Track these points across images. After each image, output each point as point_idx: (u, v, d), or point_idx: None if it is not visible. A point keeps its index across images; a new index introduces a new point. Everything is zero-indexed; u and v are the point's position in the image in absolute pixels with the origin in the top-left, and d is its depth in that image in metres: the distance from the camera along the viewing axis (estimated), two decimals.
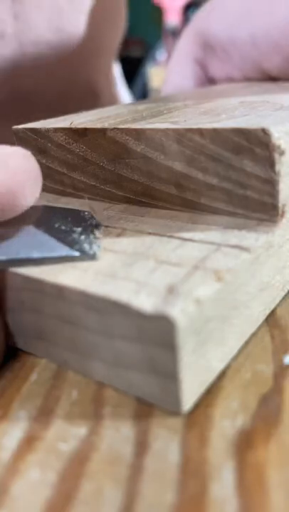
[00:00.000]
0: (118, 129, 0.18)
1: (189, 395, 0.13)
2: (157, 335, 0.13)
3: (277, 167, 0.15)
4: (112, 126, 0.18)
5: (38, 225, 0.16)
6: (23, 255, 0.15)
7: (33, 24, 0.34)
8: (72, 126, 0.19)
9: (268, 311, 0.17)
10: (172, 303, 0.13)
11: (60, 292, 0.14)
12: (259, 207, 0.16)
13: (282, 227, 0.16)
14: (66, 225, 0.17)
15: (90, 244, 0.16)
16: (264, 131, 0.15)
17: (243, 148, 0.15)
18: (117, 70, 0.48)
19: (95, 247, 0.16)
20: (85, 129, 0.19)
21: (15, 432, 0.14)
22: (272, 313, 0.18)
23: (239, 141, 0.15)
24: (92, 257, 0.15)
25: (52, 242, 0.15)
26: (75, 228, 0.17)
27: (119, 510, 0.11)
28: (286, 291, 0.18)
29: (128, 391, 0.14)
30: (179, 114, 0.19)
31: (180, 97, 0.25)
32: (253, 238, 0.15)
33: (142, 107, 0.22)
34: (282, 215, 0.16)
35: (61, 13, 0.35)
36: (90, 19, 0.38)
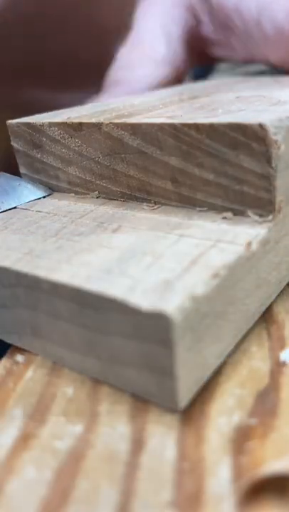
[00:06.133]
0: (114, 123, 0.18)
1: (185, 392, 0.13)
2: (153, 331, 0.13)
3: (274, 162, 0.15)
4: (108, 121, 0.18)
5: None
6: None
7: None
8: (68, 120, 0.19)
9: (264, 308, 0.17)
10: (168, 299, 0.12)
11: (54, 288, 0.14)
12: (256, 202, 0.16)
13: (278, 223, 0.16)
14: None
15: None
16: (261, 126, 0.15)
17: (239, 143, 0.15)
18: None
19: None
20: (80, 124, 0.19)
21: (10, 429, 0.14)
22: (269, 309, 0.18)
23: (236, 136, 0.15)
24: None
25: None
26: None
27: (116, 508, 0.11)
28: (282, 287, 0.18)
29: (124, 388, 0.14)
30: (175, 109, 0.19)
31: (176, 92, 0.25)
32: (249, 234, 0.15)
33: (137, 101, 0.22)
34: (279, 211, 0.16)
35: None
36: None
